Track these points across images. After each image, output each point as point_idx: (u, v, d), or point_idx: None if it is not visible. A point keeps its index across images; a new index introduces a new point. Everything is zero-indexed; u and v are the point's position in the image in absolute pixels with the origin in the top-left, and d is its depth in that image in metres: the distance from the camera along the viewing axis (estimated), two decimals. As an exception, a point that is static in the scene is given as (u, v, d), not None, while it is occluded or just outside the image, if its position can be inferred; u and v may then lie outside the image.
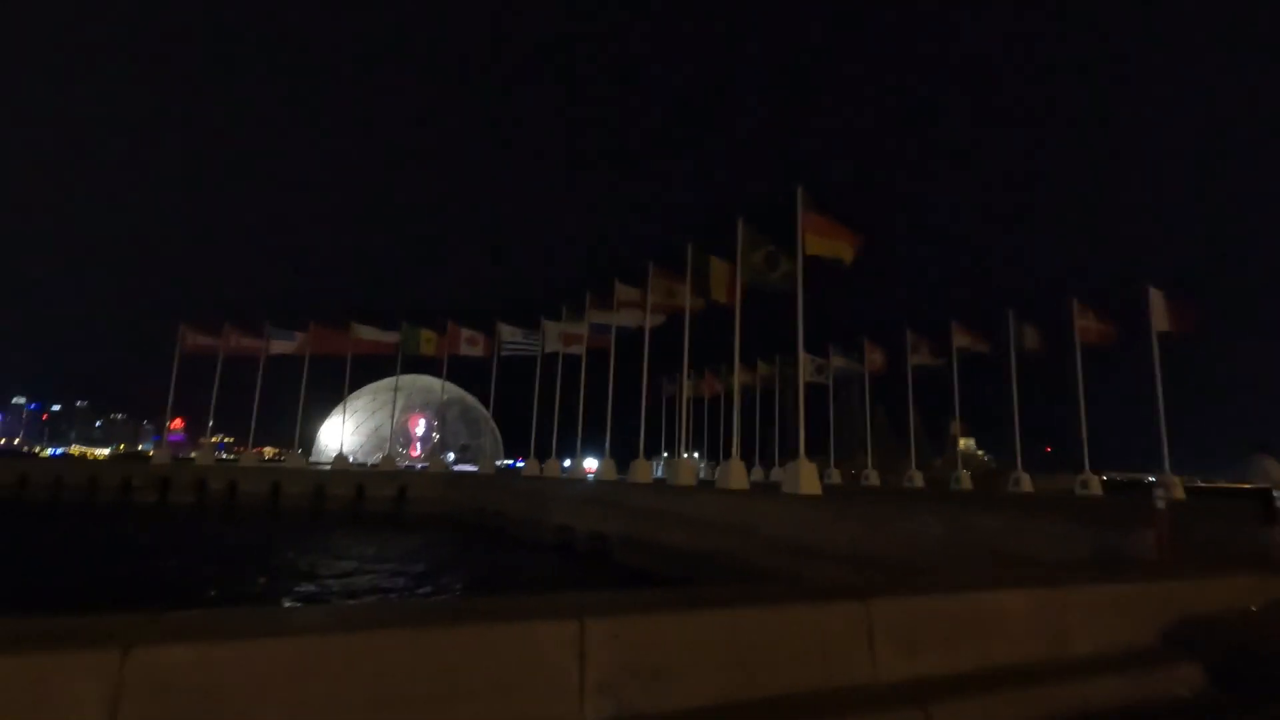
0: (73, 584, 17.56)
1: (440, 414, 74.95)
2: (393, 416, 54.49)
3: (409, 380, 73.63)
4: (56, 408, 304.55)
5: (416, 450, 72.48)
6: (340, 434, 73.26)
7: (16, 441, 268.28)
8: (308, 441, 63.70)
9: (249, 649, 2.92)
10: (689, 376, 38.00)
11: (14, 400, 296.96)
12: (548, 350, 43.06)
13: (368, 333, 47.87)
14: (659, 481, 31.42)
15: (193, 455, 53.06)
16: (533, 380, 44.33)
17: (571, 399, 39.45)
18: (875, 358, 46.08)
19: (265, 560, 22.33)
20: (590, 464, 45.59)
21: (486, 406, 73.54)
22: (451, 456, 71.32)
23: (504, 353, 44.55)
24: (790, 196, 24.43)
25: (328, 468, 49.03)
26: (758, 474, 46.32)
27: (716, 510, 19.66)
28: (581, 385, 38.41)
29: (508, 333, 44.19)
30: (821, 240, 24.41)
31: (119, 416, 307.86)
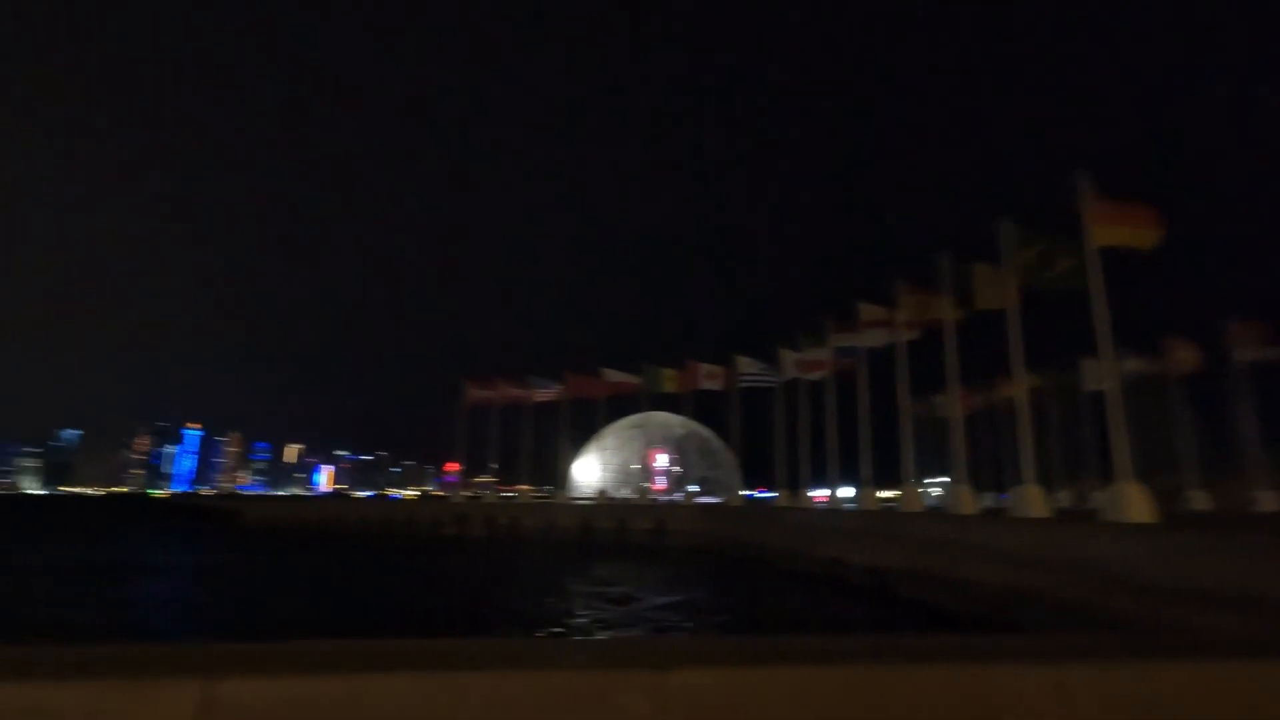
0: (436, 609, 20.99)
1: (679, 448, 77.92)
2: (637, 454, 58.15)
3: (646, 417, 77.91)
4: (367, 457, 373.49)
5: (660, 484, 75.75)
6: (593, 471, 79.57)
7: (345, 487, 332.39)
8: (559, 478, 70.19)
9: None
10: (938, 394, 35.16)
11: (335, 452, 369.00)
12: (785, 378, 42.75)
13: (615, 376, 51.79)
14: (932, 510, 29.19)
15: (479, 494, 61.22)
16: (769, 410, 44.22)
17: (813, 426, 38.63)
18: (1184, 356, 38.74)
19: (555, 586, 24.70)
20: (821, 493, 43.80)
21: (723, 438, 74.74)
22: (694, 489, 73.42)
23: (743, 384, 45.22)
24: (1062, 190, 21.85)
25: (587, 502, 53.48)
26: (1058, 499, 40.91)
27: (1023, 541, 17.67)
28: (829, 410, 37.36)
29: (745, 364, 44.78)
30: (1113, 229, 21.34)
31: (410, 463, 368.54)
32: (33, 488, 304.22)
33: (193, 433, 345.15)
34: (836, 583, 24.90)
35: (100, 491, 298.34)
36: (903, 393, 31.11)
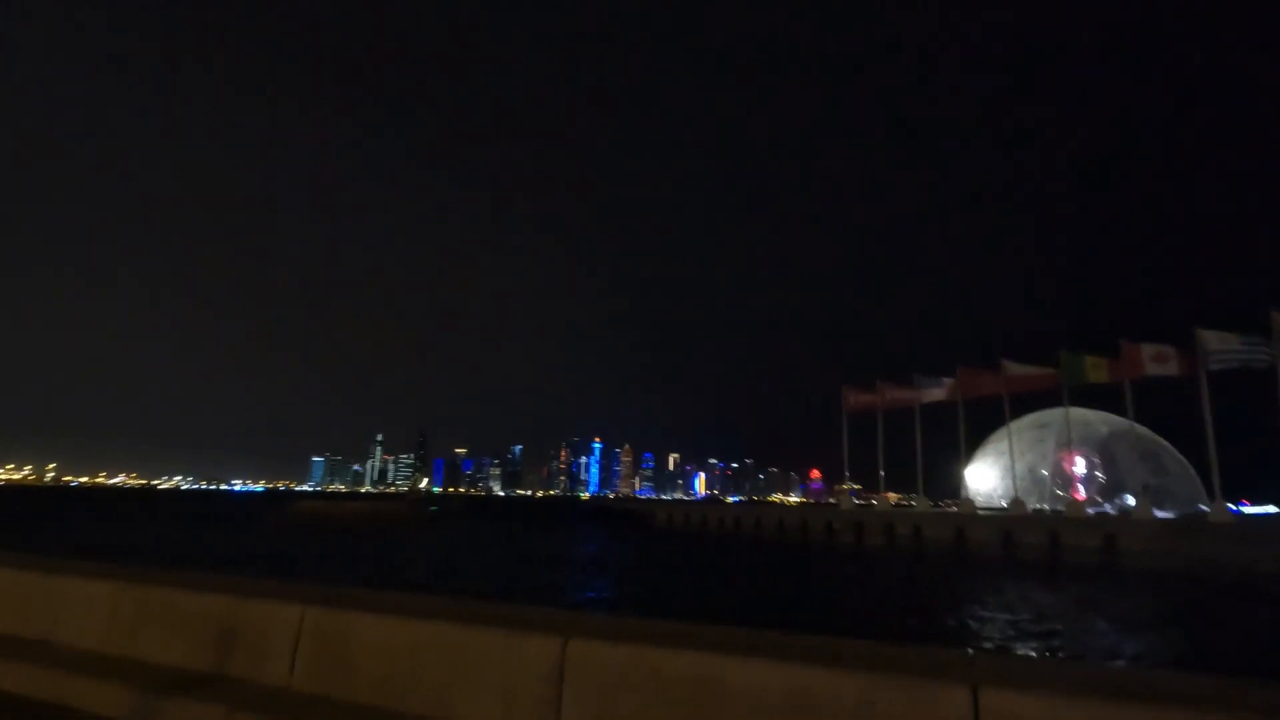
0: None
1: (1104, 450, 64.78)
2: (1046, 457, 49.82)
3: (1051, 414, 66.70)
4: (735, 465, 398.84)
5: (1080, 493, 63.91)
6: (987, 477, 71.16)
7: (715, 491, 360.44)
8: (942, 485, 64.03)
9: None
10: None
11: (709, 460, 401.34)
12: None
13: (1017, 369, 45.51)
14: None
15: (872, 502, 59.52)
16: (1246, 399, 33.58)
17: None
18: None
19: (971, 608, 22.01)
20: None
21: (1169, 437, 60.04)
22: (1130, 500, 60.15)
23: (1214, 366, 35.38)
24: None
25: (993, 513, 47.77)
26: None
27: None
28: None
29: (1217, 341, 35.02)
30: None
31: (773, 469, 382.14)
32: (497, 491, 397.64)
33: (597, 445, 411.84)
34: None
35: (539, 494, 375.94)
36: None
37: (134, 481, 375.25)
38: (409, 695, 4.21)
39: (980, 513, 49.13)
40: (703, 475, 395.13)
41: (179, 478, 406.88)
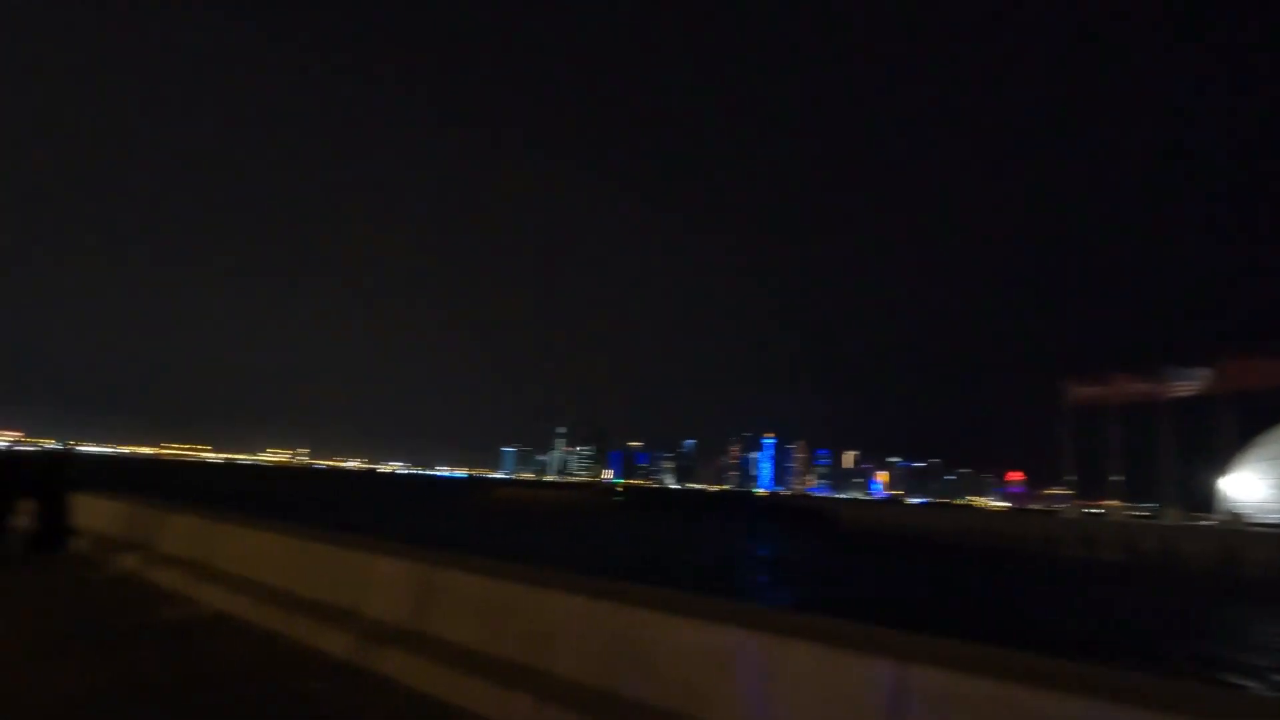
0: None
1: None
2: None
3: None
4: (919, 464, 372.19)
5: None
6: (1255, 486, 58.92)
7: (901, 492, 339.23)
8: (1185, 494, 53.46)
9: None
10: None
11: (888, 459, 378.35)
12: None
13: (1309, 356, 36.93)
14: None
15: (1101, 511, 51.99)
16: None
17: None
18: None
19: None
20: None
21: None
22: None
23: None
24: None
25: (1274, 531, 39.14)
26: None
27: None
28: None
29: None
30: None
31: (964, 471, 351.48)
32: (670, 483, 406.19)
33: (769, 441, 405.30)
34: None
35: (712, 488, 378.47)
36: None
37: (362, 465, 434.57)
38: (713, 705, 3.80)
39: (1256, 528, 40.79)
40: (884, 474, 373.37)
41: (397, 463, 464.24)
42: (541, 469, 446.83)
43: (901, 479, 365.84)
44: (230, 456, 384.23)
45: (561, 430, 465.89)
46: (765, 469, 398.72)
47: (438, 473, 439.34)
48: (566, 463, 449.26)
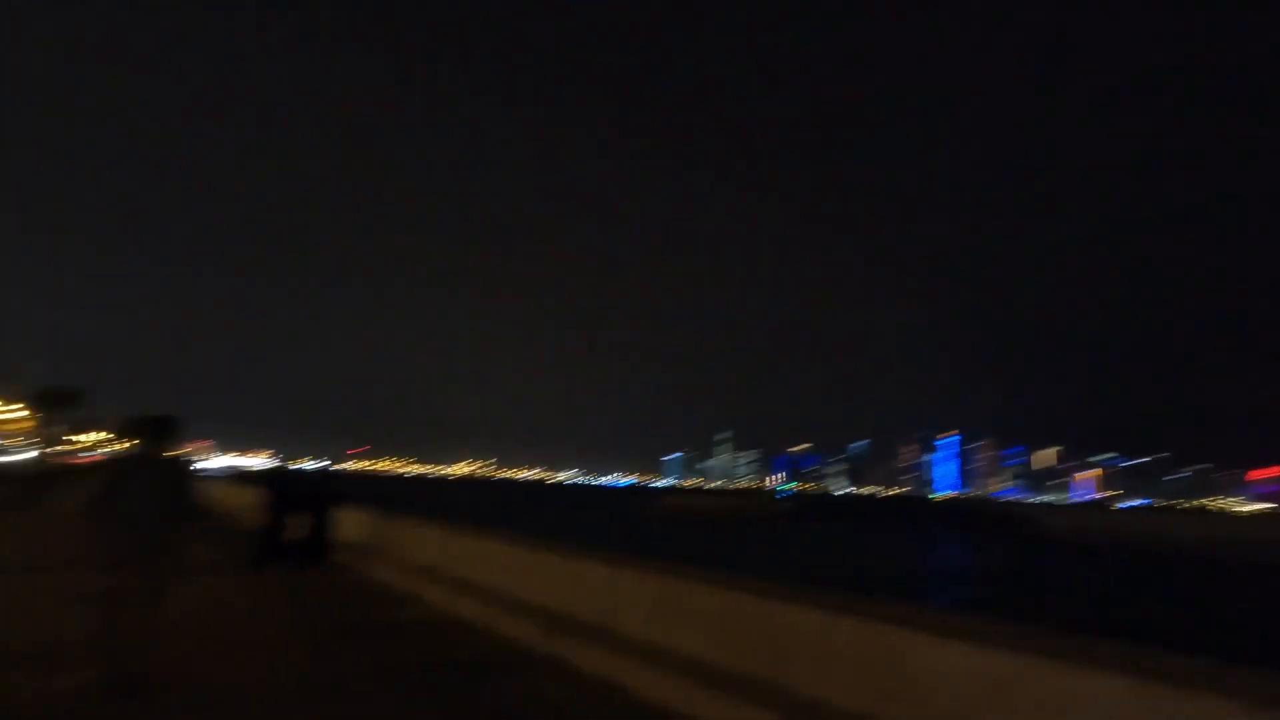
0: None
1: None
2: None
3: None
4: (1140, 461, 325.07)
5: None
6: None
7: (1108, 494, 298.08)
8: None
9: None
10: None
11: (1091, 457, 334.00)
12: None
13: None
14: None
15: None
16: None
17: None
18: None
19: None
20: None
21: None
22: None
23: None
24: None
25: None
26: None
27: None
28: None
29: None
30: None
31: (1199, 466, 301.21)
32: (840, 488, 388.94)
33: (948, 440, 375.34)
34: None
35: (886, 492, 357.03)
36: None
37: (538, 475, 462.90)
38: (992, 735, 3.39)
39: None
40: (1092, 472, 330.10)
41: (571, 471, 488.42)
42: (704, 476, 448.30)
43: (1117, 478, 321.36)
44: (428, 469, 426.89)
45: (724, 436, 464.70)
46: (946, 470, 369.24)
47: (603, 481, 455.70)
48: (730, 469, 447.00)
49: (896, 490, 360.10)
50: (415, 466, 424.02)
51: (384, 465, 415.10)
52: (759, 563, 27.67)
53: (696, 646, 4.58)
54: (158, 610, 4.42)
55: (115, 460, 5.16)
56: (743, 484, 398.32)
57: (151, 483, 4.55)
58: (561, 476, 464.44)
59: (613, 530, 41.77)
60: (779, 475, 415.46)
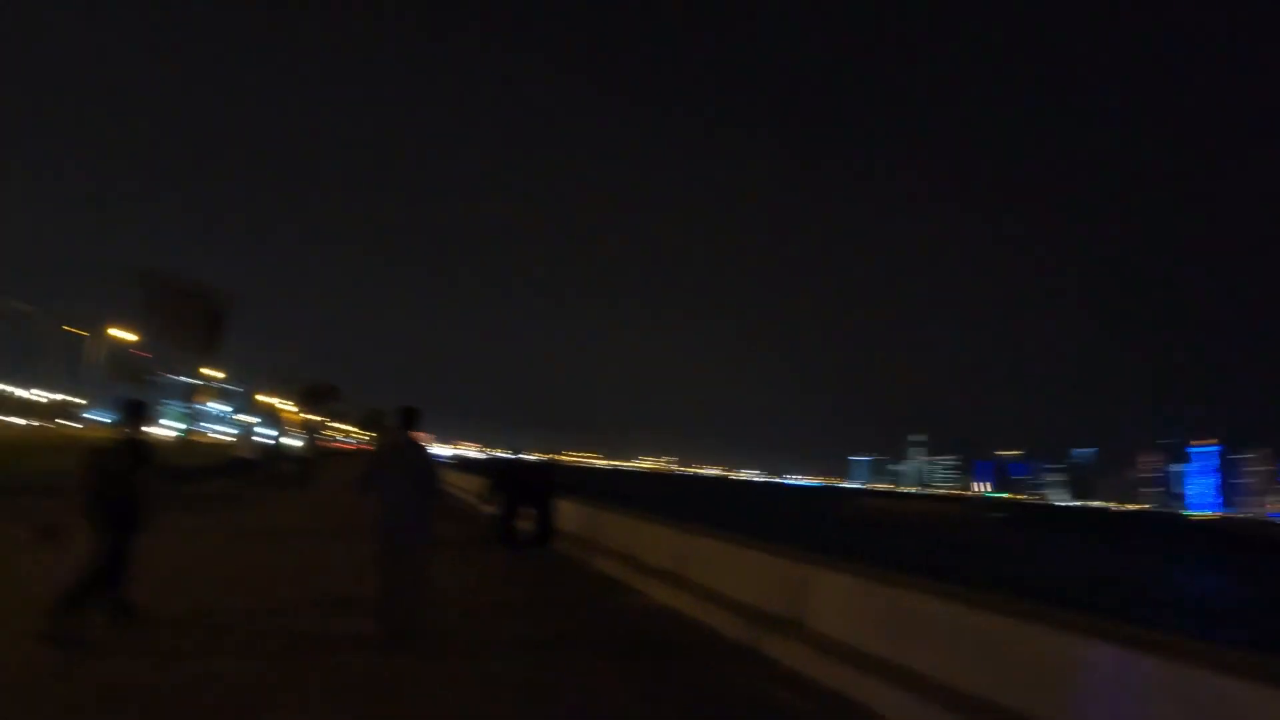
0: None
1: None
2: None
3: None
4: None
5: None
6: None
7: None
8: None
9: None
10: None
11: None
12: None
13: None
14: None
15: None
16: None
17: None
18: None
19: None
20: None
21: None
22: None
23: None
24: None
25: None
26: None
27: None
28: None
29: None
30: None
31: None
32: (1058, 500, 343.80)
33: (1206, 449, 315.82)
34: None
35: (1120, 506, 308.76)
36: None
37: (719, 473, 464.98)
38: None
39: None
40: None
41: (751, 471, 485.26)
42: (897, 480, 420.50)
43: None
44: (613, 463, 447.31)
45: (918, 438, 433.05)
46: (1203, 485, 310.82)
47: (788, 480, 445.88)
48: (925, 473, 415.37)
49: (1134, 505, 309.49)
50: (601, 460, 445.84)
51: (569, 457, 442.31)
52: (994, 577, 24.55)
53: (927, 662, 4.07)
54: (419, 576, 5.23)
55: (377, 445, 6.01)
56: (940, 490, 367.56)
57: (407, 465, 5.25)
58: (743, 475, 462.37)
59: (816, 532, 39.92)
60: (984, 483, 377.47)
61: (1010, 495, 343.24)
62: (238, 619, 5.41)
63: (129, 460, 4.86)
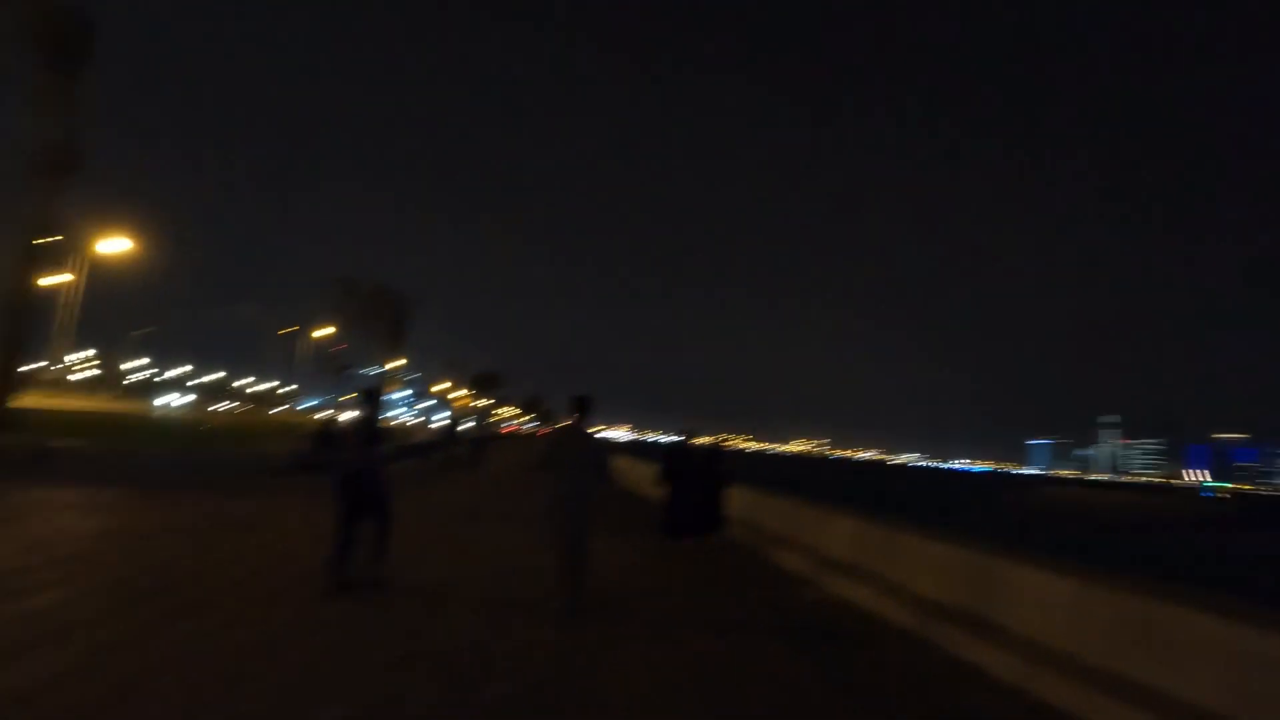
0: None
1: None
2: None
3: None
4: None
5: None
6: None
7: None
8: None
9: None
10: None
11: None
12: None
13: None
14: None
15: None
16: None
17: None
18: None
19: None
20: None
21: None
22: None
23: None
24: None
25: None
26: None
27: None
28: None
29: None
30: None
31: None
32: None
33: None
34: None
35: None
36: None
37: (876, 456, 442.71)
38: None
39: None
40: None
41: (912, 454, 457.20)
42: (1085, 465, 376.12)
43: None
44: (765, 446, 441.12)
45: (1110, 420, 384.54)
46: None
47: (954, 466, 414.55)
48: (1118, 459, 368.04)
49: None
50: (752, 443, 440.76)
51: (718, 440, 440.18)
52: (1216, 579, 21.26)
53: (1151, 677, 3.53)
54: (587, 556, 5.60)
55: (556, 431, 6.13)
56: (1139, 477, 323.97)
57: (581, 449, 5.63)
58: (903, 458, 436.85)
59: (998, 522, 36.76)
60: (1200, 470, 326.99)
61: (1234, 485, 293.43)
62: (470, 588, 6.16)
63: (366, 439, 5.65)
